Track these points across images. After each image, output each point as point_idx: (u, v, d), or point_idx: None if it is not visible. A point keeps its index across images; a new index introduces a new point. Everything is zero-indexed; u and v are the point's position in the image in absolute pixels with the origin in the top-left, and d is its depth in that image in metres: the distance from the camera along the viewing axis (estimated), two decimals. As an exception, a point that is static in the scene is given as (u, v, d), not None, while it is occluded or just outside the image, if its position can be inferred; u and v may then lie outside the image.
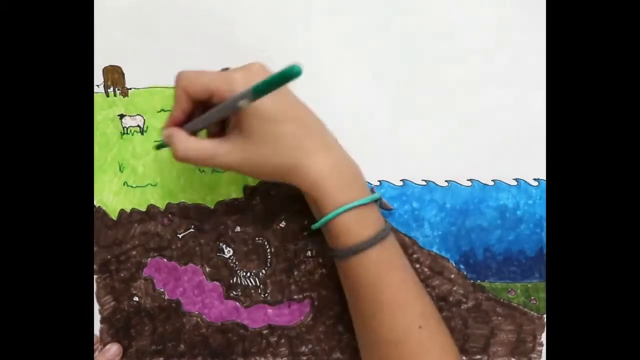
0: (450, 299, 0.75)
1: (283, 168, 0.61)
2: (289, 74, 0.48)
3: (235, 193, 0.75)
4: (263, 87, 0.51)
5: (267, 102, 0.57)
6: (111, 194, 0.75)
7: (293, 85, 0.72)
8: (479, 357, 0.76)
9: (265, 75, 0.54)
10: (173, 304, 0.77)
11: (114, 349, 0.76)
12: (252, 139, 0.60)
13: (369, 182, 0.73)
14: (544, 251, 0.74)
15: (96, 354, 0.75)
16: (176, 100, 0.59)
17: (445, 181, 0.73)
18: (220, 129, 0.65)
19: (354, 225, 0.62)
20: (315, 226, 0.65)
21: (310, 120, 0.63)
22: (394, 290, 0.63)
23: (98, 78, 0.72)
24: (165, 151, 0.74)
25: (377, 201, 0.67)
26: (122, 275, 0.76)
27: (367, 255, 0.62)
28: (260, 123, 0.59)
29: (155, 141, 0.74)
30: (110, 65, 0.72)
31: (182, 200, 0.75)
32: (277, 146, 0.60)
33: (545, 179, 0.73)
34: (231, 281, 0.76)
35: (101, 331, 0.77)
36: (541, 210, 0.73)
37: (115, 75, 0.73)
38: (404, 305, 0.63)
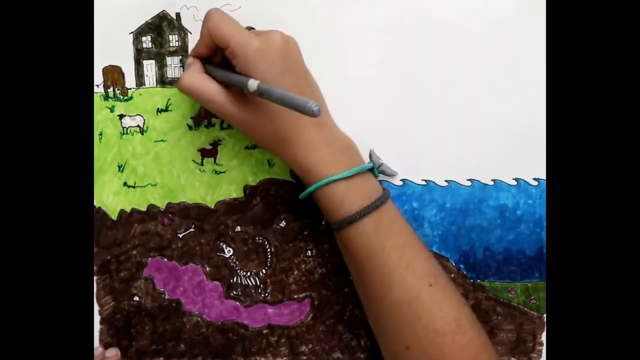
0: (450, 298, 0.75)
1: (276, 137, 0.64)
2: (303, 111, 0.51)
3: (235, 193, 0.75)
4: (272, 99, 0.56)
5: (274, 75, 0.60)
6: (111, 194, 0.75)
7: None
8: (479, 356, 0.76)
9: (283, 49, 0.61)
10: (173, 304, 0.77)
11: (113, 353, 0.76)
12: (255, 102, 0.63)
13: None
14: (544, 251, 0.74)
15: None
16: (201, 35, 0.62)
17: (445, 181, 0.74)
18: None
19: (344, 196, 0.64)
20: (301, 196, 0.67)
21: (311, 97, 0.65)
22: (398, 254, 0.63)
23: (98, 78, 0.72)
24: (165, 151, 0.74)
25: (374, 170, 0.69)
26: (122, 275, 0.76)
27: (363, 224, 0.63)
28: None
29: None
30: (110, 65, 0.72)
31: (183, 200, 0.75)
32: (273, 116, 0.63)
33: (545, 178, 0.73)
34: (231, 281, 0.76)
35: (101, 331, 0.77)
36: (541, 210, 0.73)
37: (115, 75, 0.73)
38: (411, 266, 0.63)
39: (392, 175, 0.73)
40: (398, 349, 0.64)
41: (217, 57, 0.65)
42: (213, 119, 0.74)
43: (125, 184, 0.75)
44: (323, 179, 0.63)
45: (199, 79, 0.62)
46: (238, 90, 0.64)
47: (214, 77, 0.65)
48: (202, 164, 0.74)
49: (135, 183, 0.75)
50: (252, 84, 0.58)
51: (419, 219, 0.74)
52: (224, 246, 0.76)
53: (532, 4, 0.69)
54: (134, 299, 0.77)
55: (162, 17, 0.72)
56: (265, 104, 0.62)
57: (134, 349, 0.77)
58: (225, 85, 0.65)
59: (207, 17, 0.60)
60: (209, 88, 0.62)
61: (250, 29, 0.67)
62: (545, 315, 0.75)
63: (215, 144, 0.74)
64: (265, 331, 0.77)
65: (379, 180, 0.72)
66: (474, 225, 0.74)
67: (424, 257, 0.65)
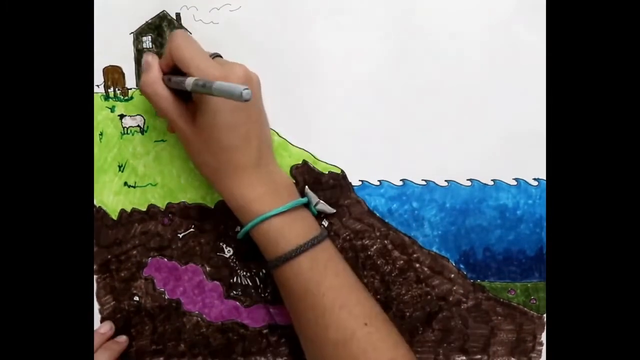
0: (450, 298, 0.75)
1: (215, 169, 0.64)
2: (234, 97, 0.50)
3: (236, 193, 0.75)
4: (210, 92, 0.54)
5: (226, 109, 0.60)
6: (111, 194, 0.75)
7: (296, 84, 0.72)
8: (479, 356, 0.76)
9: (242, 84, 0.54)
10: (173, 304, 0.77)
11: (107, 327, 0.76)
12: (203, 128, 0.61)
13: (367, 182, 0.73)
14: (544, 251, 0.74)
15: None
16: (165, 53, 0.63)
17: (445, 181, 0.74)
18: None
19: (279, 234, 0.63)
20: (239, 236, 0.67)
21: (254, 139, 0.63)
22: (333, 294, 0.62)
23: (98, 78, 0.72)
24: (165, 151, 0.74)
25: (310, 207, 0.68)
26: (123, 275, 0.76)
27: (299, 263, 0.62)
28: (212, 121, 0.61)
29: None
30: (110, 65, 0.72)
31: (183, 200, 0.75)
32: (216, 150, 0.62)
33: (545, 178, 0.73)
34: (231, 281, 0.76)
35: (101, 331, 0.77)
36: (541, 210, 0.73)
37: (115, 75, 0.73)
38: (347, 307, 0.62)
39: (330, 213, 0.72)
40: None
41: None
42: (213, 119, 0.74)
43: (125, 183, 0.75)
44: (257, 217, 0.63)
45: (155, 86, 0.62)
46: (192, 111, 0.63)
47: (167, 86, 0.64)
48: (202, 164, 0.74)
49: (135, 183, 0.75)
50: (189, 81, 0.56)
51: (419, 219, 0.74)
52: (224, 246, 0.76)
53: (532, 4, 0.70)
54: (134, 298, 0.77)
55: (162, 17, 0.72)
56: (213, 135, 0.61)
57: (134, 349, 0.77)
58: (182, 99, 0.64)
59: (171, 38, 0.61)
60: (170, 98, 0.62)
61: (217, 56, 0.65)
62: (545, 315, 0.75)
63: (216, 144, 0.74)
64: (265, 331, 0.77)
65: (358, 184, 0.72)
66: (474, 225, 0.74)
67: (360, 298, 0.64)
